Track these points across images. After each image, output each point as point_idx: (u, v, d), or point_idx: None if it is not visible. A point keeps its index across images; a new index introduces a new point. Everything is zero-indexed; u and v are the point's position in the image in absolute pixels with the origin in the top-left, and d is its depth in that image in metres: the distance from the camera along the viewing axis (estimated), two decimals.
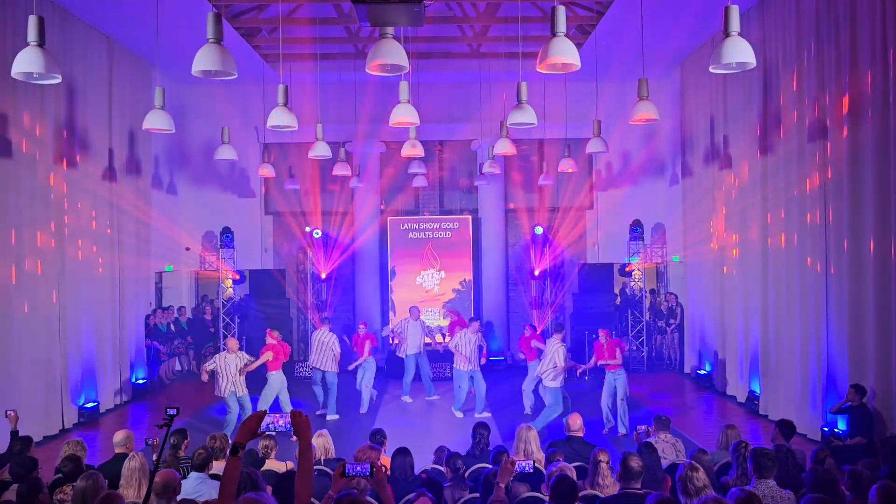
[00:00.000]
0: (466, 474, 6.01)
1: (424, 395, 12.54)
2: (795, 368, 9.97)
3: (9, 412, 7.19)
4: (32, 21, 5.20)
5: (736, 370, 12.15)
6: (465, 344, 11.22)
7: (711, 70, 5.58)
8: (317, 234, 15.44)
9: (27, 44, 5.25)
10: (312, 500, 3.77)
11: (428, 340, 12.85)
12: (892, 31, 7.84)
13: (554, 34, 5.24)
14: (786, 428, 6.72)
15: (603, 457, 5.38)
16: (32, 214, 9.97)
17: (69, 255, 10.88)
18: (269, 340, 10.85)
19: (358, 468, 3.57)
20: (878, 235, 8.20)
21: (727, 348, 12.50)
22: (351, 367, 12.26)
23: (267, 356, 10.57)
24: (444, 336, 14.01)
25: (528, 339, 11.69)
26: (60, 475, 5.70)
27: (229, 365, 9.98)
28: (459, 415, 11.26)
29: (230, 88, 13.24)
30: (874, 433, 8.16)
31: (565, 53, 5.22)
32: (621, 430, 10.06)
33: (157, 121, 7.37)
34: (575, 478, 4.96)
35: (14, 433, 6.87)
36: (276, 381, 10.63)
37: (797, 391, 9.93)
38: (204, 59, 5.45)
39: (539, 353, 11.07)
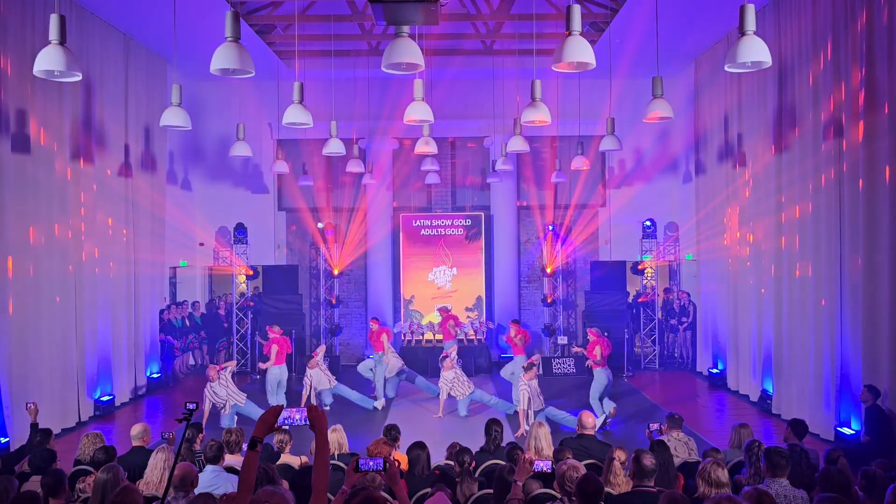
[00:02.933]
0: (479, 470, 6.03)
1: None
2: (809, 368, 9.92)
3: (29, 404, 7.30)
4: (54, 20, 5.23)
5: (749, 369, 12.09)
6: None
7: (727, 69, 5.56)
8: (323, 227, 15.53)
9: (47, 41, 5.29)
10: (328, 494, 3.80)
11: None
12: None
13: (569, 33, 5.23)
14: (798, 427, 6.69)
15: (619, 454, 5.39)
16: (49, 210, 10.07)
17: (85, 250, 10.98)
18: (271, 335, 11.22)
19: (371, 463, 3.58)
20: (893, 234, 8.14)
21: (740, 347, 12.45)
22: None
23: (274, 349, 10.94)
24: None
25: (512, 337, 12.12)
26: (84, 465, 5.78)
27: (217, 393, 9.96)
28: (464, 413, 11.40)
29: (244, 85, 13.30)
30: (891, 433, 8.09)
31: (581, 53, 5.21)
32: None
33: (173, 118, 7.41)
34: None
35: (34, 425, 6.97)
36: (276, 375, 11.16)
37: (810, 390, 9.88)
38: (222, 58, 5.49)
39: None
